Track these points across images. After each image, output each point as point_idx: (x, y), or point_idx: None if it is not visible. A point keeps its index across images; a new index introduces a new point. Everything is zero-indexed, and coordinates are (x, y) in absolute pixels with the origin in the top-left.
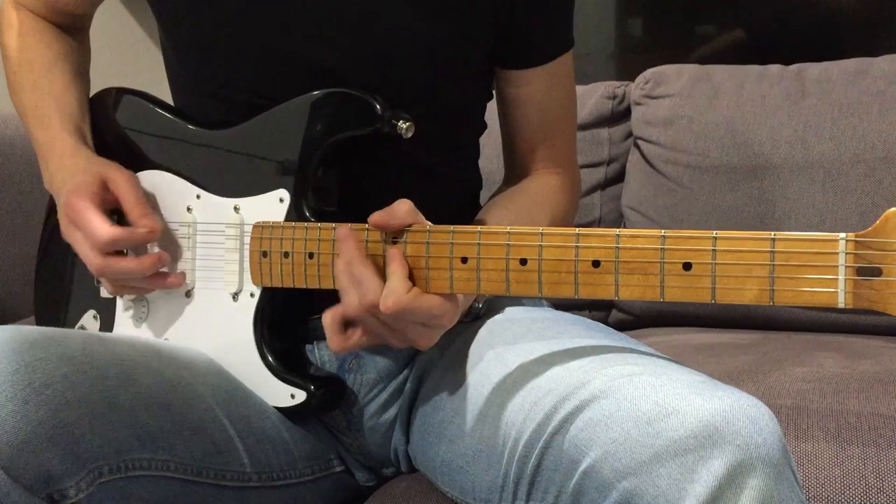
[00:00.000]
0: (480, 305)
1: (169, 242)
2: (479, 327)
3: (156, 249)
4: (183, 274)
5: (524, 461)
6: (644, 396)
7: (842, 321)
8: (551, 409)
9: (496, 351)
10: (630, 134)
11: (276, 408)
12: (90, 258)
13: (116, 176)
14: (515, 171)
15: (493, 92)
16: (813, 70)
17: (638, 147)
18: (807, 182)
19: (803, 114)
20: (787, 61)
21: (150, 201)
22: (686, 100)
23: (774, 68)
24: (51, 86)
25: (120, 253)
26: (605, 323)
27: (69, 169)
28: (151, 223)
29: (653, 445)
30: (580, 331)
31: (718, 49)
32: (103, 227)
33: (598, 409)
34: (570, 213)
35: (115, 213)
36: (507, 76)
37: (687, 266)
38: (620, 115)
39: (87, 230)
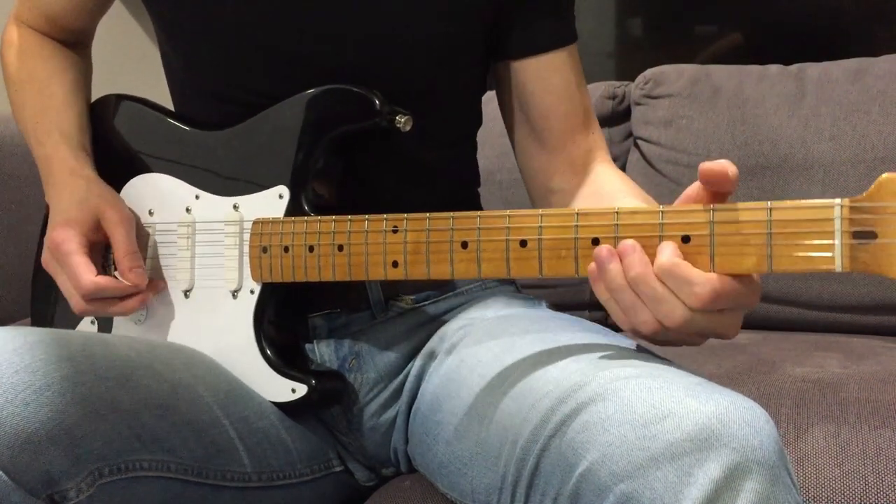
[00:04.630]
0: None
1: (168, 243)
2: (478, 328)
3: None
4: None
5: (521, 464)
6: (640, 399)
7: (842, 321)
8: (548, 412)
9: (493, 352)
10: (630, 134)
11: (276, 403)
12: (72, 300)
13: (112, 216)
14: (565, 177)
15: (508, 91)
16: (813, 70)
17: (638, 147)
18: (807, 182)
19: (803, 114)
20: (787, 61)
21: (141, 240)
22: (686, 100)
23: (774, 68)
24: (50, 100)
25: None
26: (605, 323)
27: (67, 190)
28: (139, 279)
29: (649, 448)
30: (578, 332)
31: (718, 49)
32: (87, 277)
33: (594, 412)
34: None
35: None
36: (528, 65)
37: (686, 239)
38: (620, 115)
39: (72, 277)
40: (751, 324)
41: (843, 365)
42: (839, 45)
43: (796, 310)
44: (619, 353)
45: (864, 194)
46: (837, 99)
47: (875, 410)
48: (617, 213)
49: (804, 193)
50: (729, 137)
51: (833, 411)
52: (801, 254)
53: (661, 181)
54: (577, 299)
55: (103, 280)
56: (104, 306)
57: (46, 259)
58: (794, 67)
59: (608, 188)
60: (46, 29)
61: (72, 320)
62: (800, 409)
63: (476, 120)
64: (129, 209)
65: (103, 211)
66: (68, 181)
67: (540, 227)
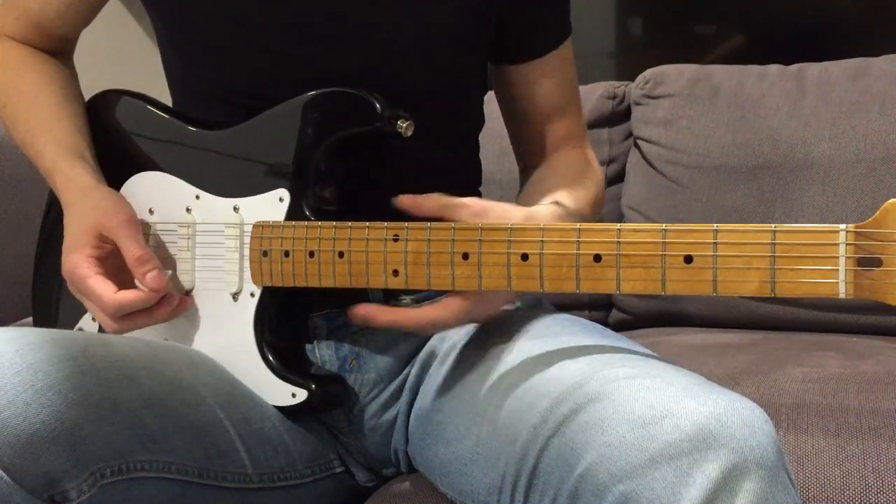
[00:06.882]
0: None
1: (168, 243)
2: (478, 329)
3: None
4: (189, 298)
5: (521, 463)
6: (639, 399)
7: (842, 321)
8: (547, 412)
9: (493, 352)
10: (630, 134)
11: (276, 407)
12: (105, 323)
13: (111, 223)
14: (534, 158)
15: (496, 87)
16: (813, 70)
17: (638, 147)
18: (807, 182)
19: (803, 114)
20: (787, 61)
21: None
22: (686, 100)
23: (774, 68)
24: (41, 111)
25: None
26: (605, 323)
27: (71, 210)
28: (156, 282)
29: (647, 449)
30: (577, 332)
31: (718, 49)
32: (108, 297)
33: (593, 412)
34: (602, 182)
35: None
36: (514, 68)
37: (688, 259)
38: (620, 115)
39: (95, 300)
40: (751, 324)
41: (843, 365)
42: (839, 45)
43: (796, 310)
44: (619, 354)
45: (870, 220)
46: (837, 99)
47: (875, 410)
48: (619, 229)
49: (804, 193)
50: (729, 137)
51: (833, 411)
52: (804, 280)
53: (661, 181)
54: (577, 299)
55: (124, 296)
56: (136, 321)
57: (72, 290)
58: (794, 67)
59: (549, 175)
60: (32, 38)
61: (72, 320)
62: (800, 409)
63: (478, 120)
64: (130, 207)
65: (102, 223)
66: (70, 197)
67: (542, 241)
